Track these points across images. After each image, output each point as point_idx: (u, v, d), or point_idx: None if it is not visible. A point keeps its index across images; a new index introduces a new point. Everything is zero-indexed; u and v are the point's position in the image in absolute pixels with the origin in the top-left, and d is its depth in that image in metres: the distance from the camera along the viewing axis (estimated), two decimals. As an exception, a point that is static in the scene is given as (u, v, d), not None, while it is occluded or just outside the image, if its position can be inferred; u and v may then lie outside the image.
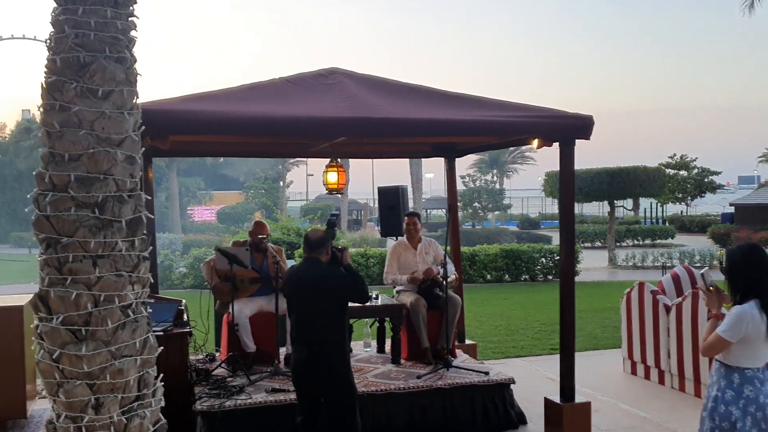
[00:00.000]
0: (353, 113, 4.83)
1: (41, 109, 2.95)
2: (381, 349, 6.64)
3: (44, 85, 2.93)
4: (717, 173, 39.35)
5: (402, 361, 6.14)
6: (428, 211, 43.69)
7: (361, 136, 5.89)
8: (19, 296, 5.77)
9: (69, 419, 2.81)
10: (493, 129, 5.23)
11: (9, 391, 5.40)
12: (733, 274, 3.48)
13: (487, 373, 5.60)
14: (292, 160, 45.17)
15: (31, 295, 2.94)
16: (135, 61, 3.10)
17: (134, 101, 3.06)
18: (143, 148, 3.10)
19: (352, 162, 36.15)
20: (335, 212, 4.21)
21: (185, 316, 5.68)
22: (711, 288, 3.55)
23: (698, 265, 18.67)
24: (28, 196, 2.93)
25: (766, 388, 3.39)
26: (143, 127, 3.10)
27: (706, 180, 38.84)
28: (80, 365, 2.76)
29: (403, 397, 5.29)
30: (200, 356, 6.27)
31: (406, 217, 6.68)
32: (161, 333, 5.06)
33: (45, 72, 2.96)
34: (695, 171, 39.06)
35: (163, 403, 3.07)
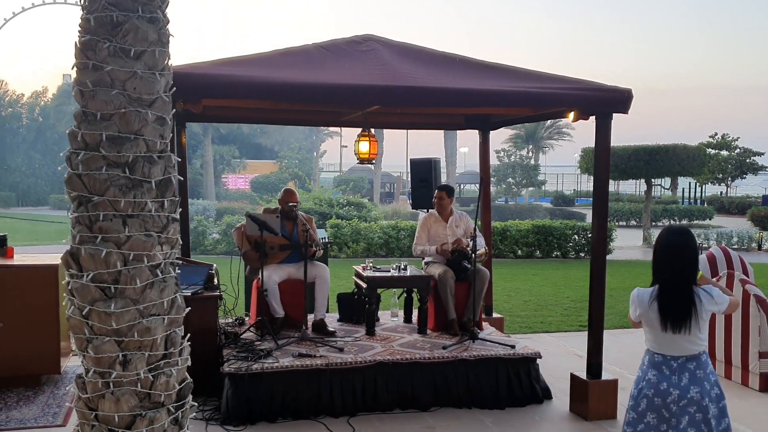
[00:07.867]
0: (387, 81, 4.78)
1: (75, 68, 2.97)
2: (408, 319, 6.65)
3: (78, 45, 2.94)
4: (760, 154, 38.22)
5: (428, 331, 6.15)
6: (461, 185, 43.42)
7: (394, 105, 5.84)
8: (55, 255, 5.79)
9: (97, 374, 2.87)
10: (529, 100, 5.12)
11: (44, 348, 5.54)
12: (653, 253, 3.36)
13: (513, 347, 5.57)
14: (326, 131, 45.26)
15: (65, 254, 2.98)
16: (167, 21, 3.09)
17: (166, 62, 3.05)
18: (174, 110, 3.11)
19: (386, 134, 36.07)
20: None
21: (216, 280, 5.76)
22: None
23: (735, 246, 18.24)
24: (62, 154, 2.96)
25: (675, 379, 3.27)
26: (174, 89, 3.10)
27: (747, 161, 37.79)
28: (109, 322, 2.80)
29: (427, 367, 5.30)
30: (230, 320, 6.37)
31: (436, 190, 6.65)
32: (190, 294, 5.14)
33: (79, 31, 2.97)
34: (737, 151, 38.01)
35: (189, 363, 3.10)
